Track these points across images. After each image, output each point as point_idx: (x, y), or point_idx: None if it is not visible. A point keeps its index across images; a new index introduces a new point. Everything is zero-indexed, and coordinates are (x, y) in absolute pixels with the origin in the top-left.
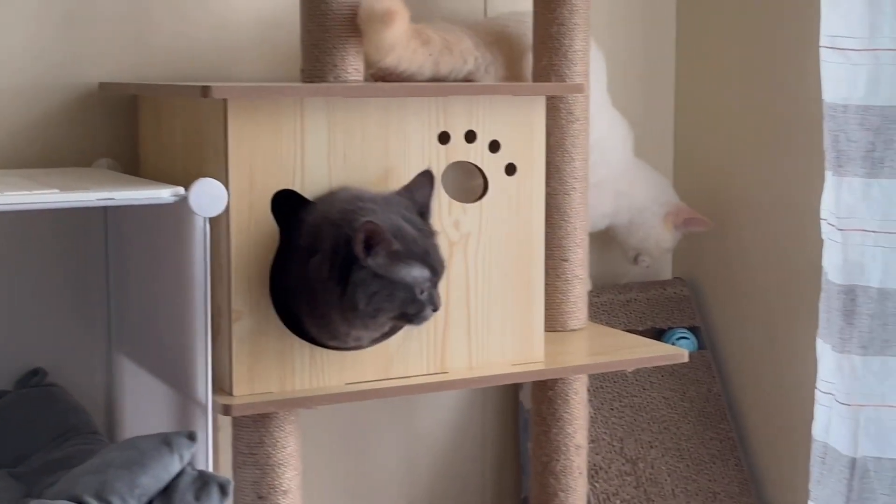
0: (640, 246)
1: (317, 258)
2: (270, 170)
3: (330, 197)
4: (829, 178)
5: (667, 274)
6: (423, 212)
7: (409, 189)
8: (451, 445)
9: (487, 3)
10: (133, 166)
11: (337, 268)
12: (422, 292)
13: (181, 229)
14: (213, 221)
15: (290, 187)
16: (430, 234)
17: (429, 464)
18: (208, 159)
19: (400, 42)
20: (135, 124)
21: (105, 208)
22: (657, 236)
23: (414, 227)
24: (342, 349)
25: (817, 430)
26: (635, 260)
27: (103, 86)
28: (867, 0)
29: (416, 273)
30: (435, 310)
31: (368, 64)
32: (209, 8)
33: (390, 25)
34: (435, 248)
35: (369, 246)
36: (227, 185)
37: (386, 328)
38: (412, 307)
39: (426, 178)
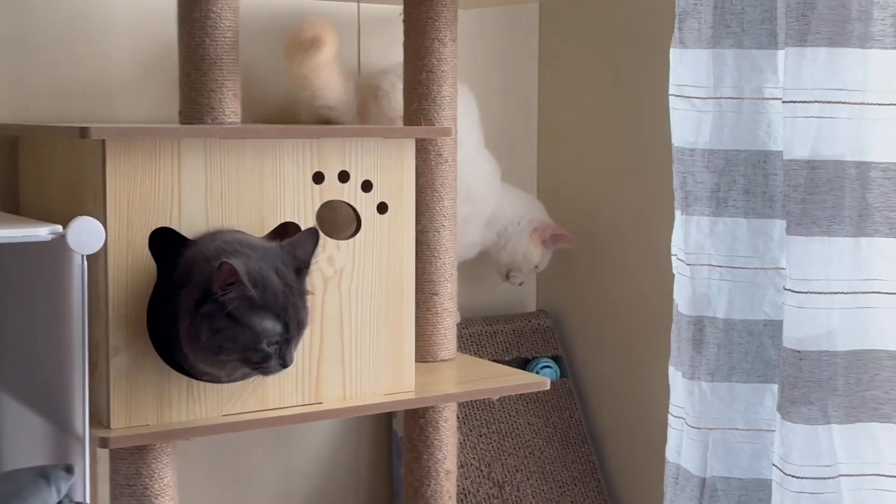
0: (510, 262)
1: (185, 290)
2: (148, 209)
3: (210, 236)
4: (679, 217)
5: (531, 306)
6: (301, 268)
7: (292, 244)
8: (326, 473)
9: (361, 55)
10: (13, 205)
11: (195, 299)
12: (269, 344)
13: (59, 267)
14: (91, 259)
15: (167, 225)
16: (298, 292)
17: (305, 492)
18: (87, 198)
19: (327, 67)
20: (15, 164)
21: None
22: (525, 251)
23: (282, 282)
24: (214, 382)
25: (670, 452)
26: (507, 276)
27: None
28: (711, 53)
29: (267, 324)
30: (283, 366)
31: (308, 109)
32: (90, 49)
33: (319, 50)
34: (297, 307)
35: (227, 284)
36: (104, 224)
37: (234, 371)
38: (255, 355)
39: (311, 235)
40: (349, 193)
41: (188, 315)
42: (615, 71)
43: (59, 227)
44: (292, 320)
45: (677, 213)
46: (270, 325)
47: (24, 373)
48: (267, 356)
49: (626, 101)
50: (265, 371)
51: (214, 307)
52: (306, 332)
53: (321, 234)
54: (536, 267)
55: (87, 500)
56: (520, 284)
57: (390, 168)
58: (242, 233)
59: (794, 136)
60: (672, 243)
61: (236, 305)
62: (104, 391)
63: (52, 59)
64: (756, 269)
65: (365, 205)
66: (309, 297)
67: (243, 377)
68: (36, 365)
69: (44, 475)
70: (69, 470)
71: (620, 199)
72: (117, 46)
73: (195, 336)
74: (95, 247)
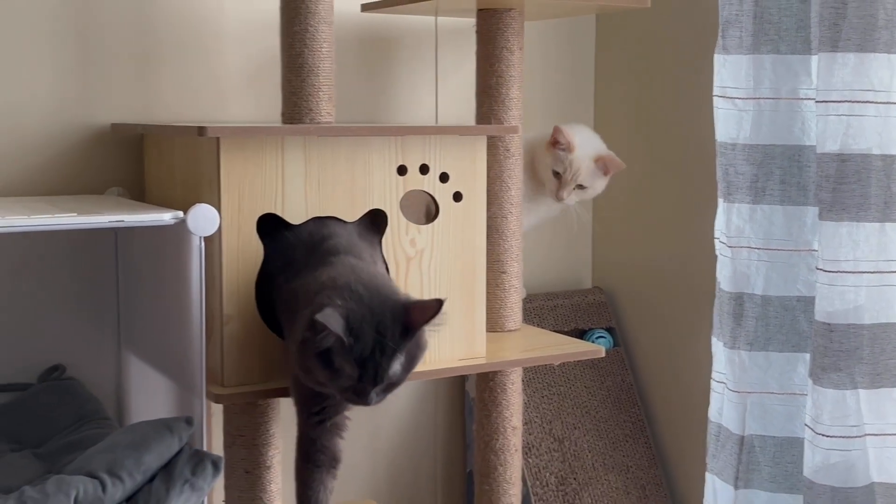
0: (574, 175)
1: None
2: (256, 197)
3: (313, 223)
4: (721, 205)
5: (587, 283)
6: (409, 330)
7: (411, 305)
8: (408, 430)
9: (439, 81)
10: (140, 194)
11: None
12: (345, 386)
13: (180, 247)
14: (208, 240)
15: (272, 211)
16: (390, 350)
17: (390, 446)
18: (203, 188)
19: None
20: (141, 158)
21: (116, 229)
22: (589, 173)
23: (377, 337)
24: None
25: (712, 412)
26: (558, 191)
27: (115, 126)
28: (751, 58)
29: (345, 368)
30: (362, 403)
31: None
32: (205, 59)
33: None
34: (379, 363)
35: (318, 332)
36: (219, 210)
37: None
38: (336, 388)
39: (434, 304)
40: (429, 184)
41: (297, 343)
42: (664, 74)
43: (180, 213)
44: (368, 372)
45: (720, 201)
46: (348, 370)
47: (150, 338)
48: (346, 391)
49: (674, 102)
50: (348, 401)
51: (309, 344)
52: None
53: (407, 221)
54: (583, 187)
55: (205, 448)
56: (576, 202)
57: (465, 161)
58: (360, 263)
59: (825, 132)
60: (715, 228)
61: (325, 348)
62: (219, 354)
63: (173, 68)
64: (791, 250)
65: (442, 194)
66: (403, 357)
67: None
68: (160, 332)
69: (167, 426)
70: (189, 422)
71: (669, 189)
72: (228, 56)
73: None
74: (211, 230)
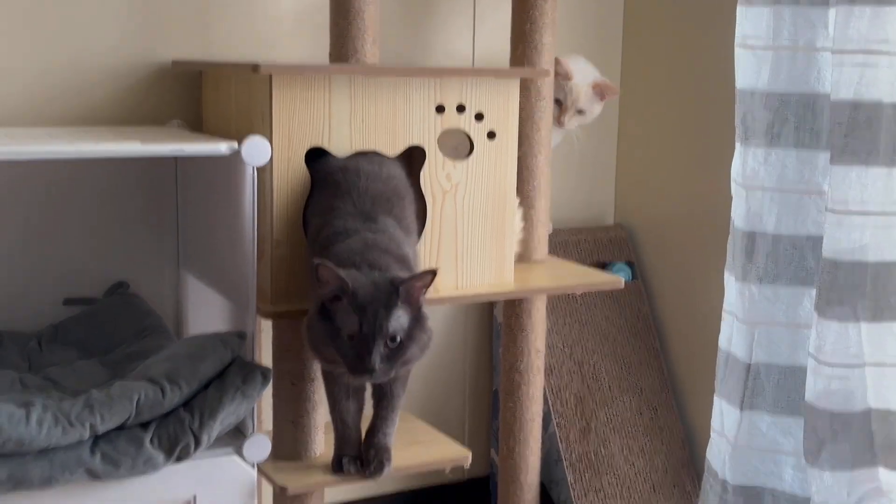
0: (574, 101)
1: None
2: (305, 130)
3: (356, 157)
4: (738, 148)
5: (610, 220)
6: (407, 299)
7: (405, 283)
8: (439, 351)
9: (476, 25)
10: (197, 126)
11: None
12: (349, 340)
13: (234, 175)
14: (260, 170)
15: (319, 145)
16: (389, 311)
17: (422, 363)
18: (256, 121)
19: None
20: (199, 92)
21: (176, 157)
22: (587, 99)
23: (378, 295)
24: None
25: (722, 341)
26: (560, 116)
27: (175, 63)
28: (771, 9)
29: (346, 319)
30: (365, 369)
31: None
32: (261, 3)
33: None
34: (381, 318)
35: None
36: (270, 142)
37: (335, 361)
38: (341, 348)
39: (427, 274)
40: (465, 122)
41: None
42: (689, 23)
43: (235, 144)
44: (368, 321)
45: (737, 144)
46: (349, 322)
47: (206, 259)
48: (346, 354)
49: (698, 50)
50: (352, 370)
51: (319, 304)
52: (430, 236)
53: (443, 157)
54: (582, 112)
55: (255, 360)
56: (576, 126)
57: (499, 102)
58: (384, 235)
59: (840, 81)
60: (732, 170)
61: (330, 302)
62: (268, 275)
63: (231, 9)
64: (802, 192)
65: (477, 132)
66: (401, 317)
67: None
68: (216, 253)
69: (221, 339)
70: (241, 336)
71: (689, 133)
72: (280, 1)
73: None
74: (263, 160)
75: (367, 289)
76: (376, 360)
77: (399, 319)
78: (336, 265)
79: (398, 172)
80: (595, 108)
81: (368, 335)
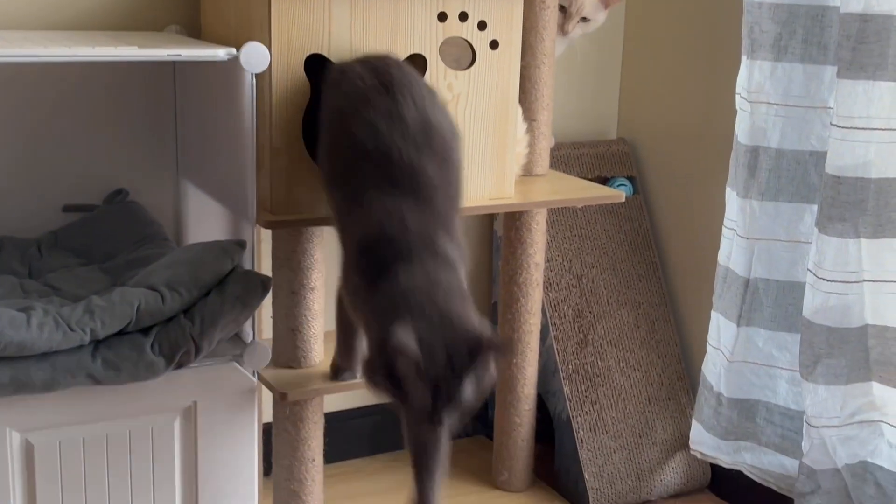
0: (579, 8)
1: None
2: (304, 37)
3: (360, 62)
4: (744, 61)
5: (612, 134)
6: (475, 350)
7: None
8: None
9: None
10: (196, 33)
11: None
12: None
13: (234, 82)
14: (259, 77)
15: (319, 52)
16: (459, 371)
17: None
18: (256, 28)
19: None
20: (198, 0)
21: (174, 63)
22: (593, 6)
23: (448, 356)
24: None
25: (721, 256)
26: (565, 26)
27: None
28: None
29: (417, 395)
30: (432, 422)
31: None
32: None
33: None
34: (452, 385)
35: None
36: (269, 48)
37: None
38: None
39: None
40: (467, 31)
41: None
42: None
43: (234, 50)
44: (441, 396)
45: (743, 57)
46: (420, 397)
47: (206, 168)
48: (418, 414)
49: None
50: (419, 421)
51: (379, 362)
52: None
53: (445, 66)
54: (586, 20)
55: (255, 269)
56: (580, 34)
57: (502, 11)
58: (387, 64)
59: None
60: (737, 83)
61: (397, 370)
62: (268, 184)
63: None
64: (807, 107)
65: (480, 41)
66: (474, 379)
67: None
68: (215, 162)
69: (222, 247)
70: (241, 244)
71: (694, 46)
72: None
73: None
74: (262, 67)
75: (441, 360)
76: (445, 422)
77: (473, 384)
78: (400, 319)
79: (438, 101)
80: (599, 17)
81: (440, 407)
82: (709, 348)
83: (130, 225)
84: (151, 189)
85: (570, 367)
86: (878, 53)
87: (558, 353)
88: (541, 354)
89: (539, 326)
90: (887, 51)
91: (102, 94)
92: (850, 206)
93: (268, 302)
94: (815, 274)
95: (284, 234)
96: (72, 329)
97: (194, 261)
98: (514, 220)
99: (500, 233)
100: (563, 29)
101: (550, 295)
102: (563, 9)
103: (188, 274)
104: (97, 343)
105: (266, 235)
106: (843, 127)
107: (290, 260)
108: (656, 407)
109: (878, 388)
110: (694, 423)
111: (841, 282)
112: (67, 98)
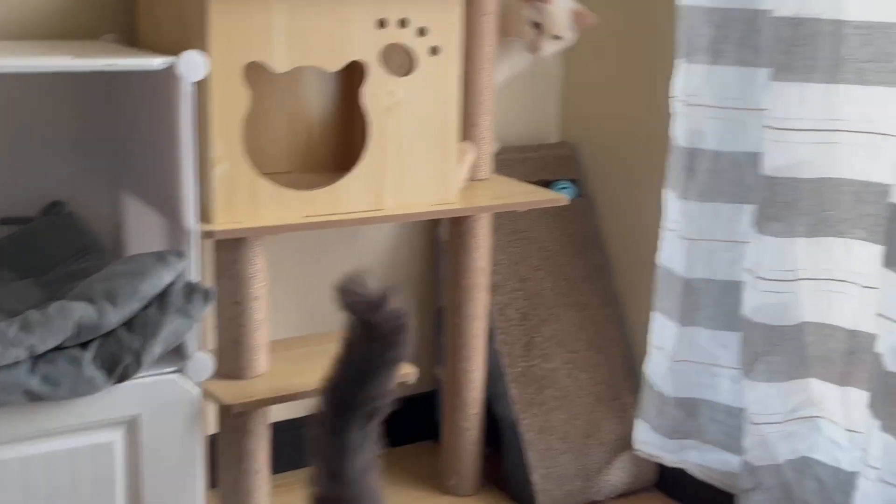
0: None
1: None
2: (242, 45)
3: None
4: (680, 65)
5: (555, 138)
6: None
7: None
8: (384, 266)
9: None
10: (133, 41)
11: None
12: None
13: (171, 92)
14: (197, 86)
15: (258, 60)
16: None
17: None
18: (193, 35)
19: None
20: (134, 7)
21: (111, 73)
22: (565, 25)
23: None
24: None
25: (662, 258)
26: (535, 43)
27: None
28: None
29: None
30: None
31: None
32: None
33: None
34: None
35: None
36: (207, 57)
37: None
38: None
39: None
40: (407, 37)
41: None
42: None
43: (171, 59)
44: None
45: (680, 61)
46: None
47: (145, 178)
48: None
49: None
50: None
51: None
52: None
53: (380, 65)
54: (559, 38)
55: (196, 278)
56: (550, 53)
57: (442, 17)
58: None
59: None
60: (674, 87)
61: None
62: (209, 193)
63: None
64: (742, 109)
65: (420, 47)
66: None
67: None
68: (154, 172)
69: (161, 258)
70: (182, 255)
71: (633, 51)
72: None
73: None
74: (200, 75)
75: None
76: None
77: None
78: None
79: None
80: (571, 36)
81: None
82: (652, 348)
83: (68, 237)
84: (89, 200)
85: (517, 370)
86: (809, 56)
87: (504, 357)
88: (487, 358)
89: (485, 330)
90: (818, 53)
91: (37, 104)
92: (786, 205)
93: (211, 312)
94: (753, 273)
95: (226, 243)
96: (11, 345)
97: (134, 272)
98: (458, 226)
99: (445, 238)
100: (535, 46)
101: (496, 298)
102: (536, 26)
103: (128, 286)
104: (35, 359)
105: (208, 245)
106: (777, 128)
107: (232, 269)
108: (603, 407)
109: (816, 385)
110: (639, 421)
111: (778, 280)
112: (0, 109)
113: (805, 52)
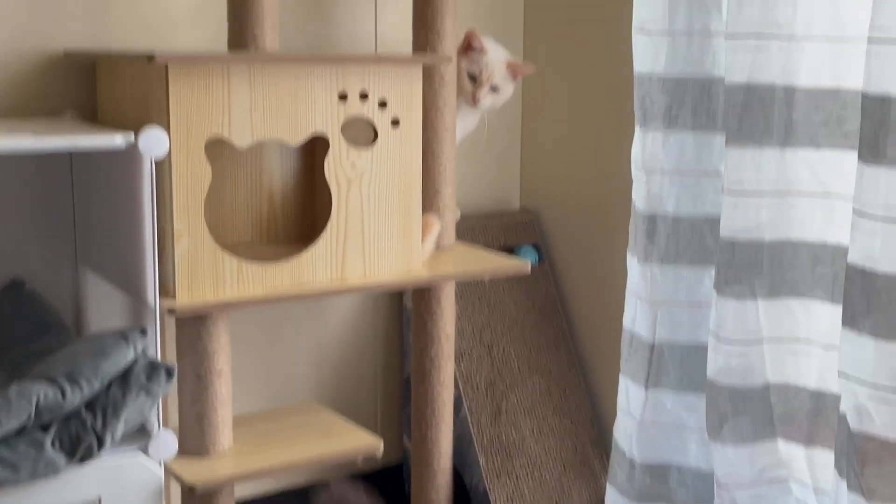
0: (489, 78)
1: None
2: (203, 121)
3: None
4: (638, 131)
5: (516, 204)
6: None
7: None
8: (350, 338)
9: (378, 11)
10: (92, 117)
11: None
12: None
13: (132, 168)
14: (159, 162)
15: (219, 135)
16: None
17: (333, 355)
18: (153, 112)
19: None
20: (94, 83)
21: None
22: (502, 78)
23: None
24: None
25: (626, 321)
26: (475, 95)
27: (68, 52)
28: None
29: None
30: None
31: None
32: None
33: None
34: None
35: None
36: (168, 133)
37: None
38: None
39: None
40: (368, 110)
41: None
42: (588, 10)
43: (132, 136)
44: None
45: (637, 128)
46: None
47: (106, 254)
48: None
49: (597, 36)
50: None
51: None
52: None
53: (347, 145)
54: (497, 90)
55: (158, 357)
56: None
57: (402, 89)
58: None
59: (734, 65)
60: (632, 153)
61: None
62: (170, 269)
63: None
64: (699, 174)
65: (381, 120)
66: None
67: None
68: (116, 248)
69: (123, 336)
70: (143, 332)
71: (591, 118)
72: None
73: None
74: (161, 152)
75: None
76: None
77: None
78: None
79: None
80: (508, 89)
81: None
82: (619, 413)
83: (28, 315)
84: (50, 277)
85: (485, 438)
86: (762, 122)
87: (472, 425)
88: (455, 427)
89: (452, 399)
90: (772, 119)
91: None
92: (746, 268)
93: (174, 389)
94: (716, 336)
95: (188, 319)
96: None
97: (95, 351)
98: (424, 294)
99: (410, 306)
100: (474, 98)
101: (462, 366)
102: (473, 78)
103: (89, 365)
104: None
105: (170, 321)
106: (734, 193)
107: (196, 345)
108: (572, 474)
109: (783, 446)
110: (608, 487)
111: (741, 342)
112: None
113: (758, 117)
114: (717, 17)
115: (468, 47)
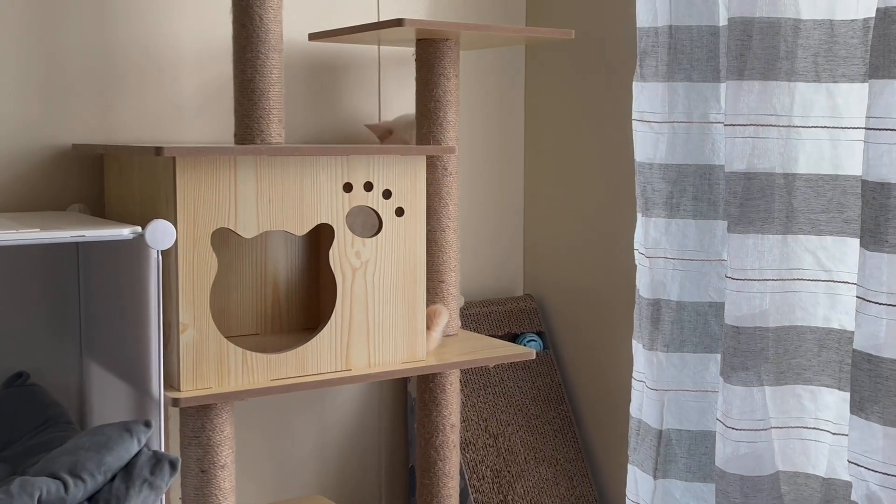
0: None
1: None
2: (210, 212)
3: None
4: (640, 219)
5: (519, 291)
6: None
7: None
8: (354, 427)
9: (381, 105)
10: (100, 210)
11: None
12: None
13: (139, 259)
14: (165, 253)
15: (226, 226)
16: None
17: (336, 443)
18: (161, 204)
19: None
20: (101, 176)
21: (77, 243)
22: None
23: None
24: None
25: (633, 409)
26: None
27: (76, 146)
28: (666, 85)
29: None
30: None
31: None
32: (163, 82)
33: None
34: None
35: None
36: (175, 225)
37: None
38: None
39: None
40: (373, 200)
41: None
42: (588, 100)
43: (139, 228)
44: None
45: (638, 215)
46: None
47: (110, 346)
48: None
49: (598, 125)
50: None
51: None
52: (340, 315)
53: (352, 235)
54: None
55: (162, 449)
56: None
57: (406, 179)
58: None
59: (733, 153)
60: (634, 240)
61: None
62: (175, 360)
63: (132, 92)
64: (702, 260)
65: (385, 209)
66: None
67: None
68: (120, 340)
69: (127, 428)
70: (147, 424)
71: (593, 205)
72: (184, 81)
73: None
74: (168, 244)
75: None
76: None
77: None
78: None
79: None
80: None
81: None
82: (628, 502)
83: (31, 409)
84: (54, 370)
85: None
86: (763, 209)
87: None
88: None
89: (458, 490)
90: (772, 206)
91: (3, 274)
92: (752, 354)
93: (177, 483)
94: (723, 423)
95: (192, 410)
96: None
97: (99, 444)
98: (428, 382)
99: (414, 395)
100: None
101: (468, 456)
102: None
103: (92, 459)
104: None
105: (174, 413)
106: (737, 279)
107: (199, 437)
108: None
109: None
110: None
111: (749, 430)
112: None
113: (759, 204)
114: (716, 105)
115: (382, 137)
